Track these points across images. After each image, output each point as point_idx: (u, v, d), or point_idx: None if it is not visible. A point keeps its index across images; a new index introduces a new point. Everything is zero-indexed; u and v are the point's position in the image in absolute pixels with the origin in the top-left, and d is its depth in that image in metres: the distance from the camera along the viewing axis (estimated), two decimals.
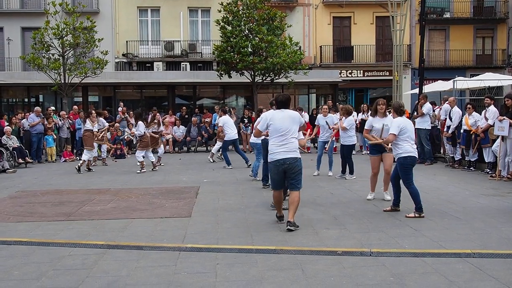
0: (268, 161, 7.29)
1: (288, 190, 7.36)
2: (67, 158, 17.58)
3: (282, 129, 6.95)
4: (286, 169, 6.94)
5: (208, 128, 21.06)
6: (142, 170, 13.74)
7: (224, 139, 14.60)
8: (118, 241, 6.47)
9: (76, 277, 5.17)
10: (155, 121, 14.94)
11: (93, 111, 15.56)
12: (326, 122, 12.62)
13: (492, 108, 12.28)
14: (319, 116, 13.10)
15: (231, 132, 14.39)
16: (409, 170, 7.76)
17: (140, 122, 14.24)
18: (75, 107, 20.30)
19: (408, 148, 7.79)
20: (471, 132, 12.95)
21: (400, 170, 7.83)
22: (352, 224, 7.25)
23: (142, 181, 12.08)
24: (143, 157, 14.00)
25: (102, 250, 6.14)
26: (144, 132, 14.14)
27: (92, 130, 14.75)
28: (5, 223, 7.74)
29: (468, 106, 13.41)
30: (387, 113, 9.31)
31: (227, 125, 14.43)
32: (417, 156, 8.05)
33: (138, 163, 13.92)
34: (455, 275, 5.03)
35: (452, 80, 17.88)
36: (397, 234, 6.64)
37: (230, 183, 11.48)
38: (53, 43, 20.44)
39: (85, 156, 14.25)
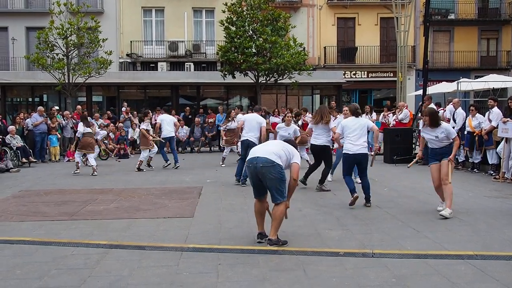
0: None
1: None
2: (70, 157, 17.57)
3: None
4: (259, 173, 6.07)
5: (211, 128, 21.08)
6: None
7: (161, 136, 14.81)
8: (121, 241, 6.48)
9: (78, 276, 5.18)
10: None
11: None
12: (289, 134, 11.47)
13: (495, 110, 12.25)
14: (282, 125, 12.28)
15: (166, 130, 14.63)
16: (345, 164, 8.90)
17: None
18: (79, 107, 20.36)
19: (347, 146, 8.76)
20: (474, 134, 12.92)
21: (342, 163, 9.13)
22: (355, 225, 7.24)
23: (145, 181, 12.10)
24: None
25: (105, 250, 6.15)
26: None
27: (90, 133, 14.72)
28: (8, 222, 7.76)
29: (471, 108, 13.37)
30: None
31: (164, 122, 14.65)
32: (353, 154, 8.71)
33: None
34: (457, 277, 5.02)
35: (456, 81, 17.85)
36: (399, 235, 6.63)
37: (233, 183, 11.48)
38: (57, 43, 20.51)
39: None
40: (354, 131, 8.73)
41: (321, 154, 10.57)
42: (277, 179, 6.00)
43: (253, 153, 6.23)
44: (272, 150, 6.13)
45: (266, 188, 6.18)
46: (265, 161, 6.00)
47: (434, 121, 7.98)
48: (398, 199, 9.25)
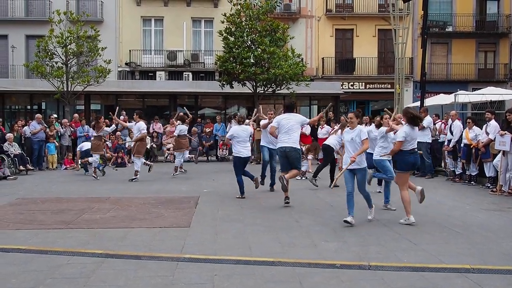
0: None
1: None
2: (68, 166, 17.60)
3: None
4: (288, 155, 9.53)
5: (208, 138, 21.11)
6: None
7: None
8: (117, 250, 6.47)
9: (73, 286, 5.16)
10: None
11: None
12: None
13: (493, 123, 12.28)
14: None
15: None
16: (237, 165, 10.84)
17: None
18: (76, 115, 20.36)
19: (238, 148, 10.84)
20: (471, 146, 12.94)
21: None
22: (351, 237, 7.23)
23: (142, 190, 12.07)
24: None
25: (101, 259, 6.13)
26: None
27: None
28: (4, 230, 7.74)
29: (468, 120, 13.42)
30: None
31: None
32: (243, 157, 10.80)
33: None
34: None
35: (454, 93, 17.93)
36: (396, 248, 6.62)
37: (230, 193, 11.47)
38: (56, 51, 20.55)
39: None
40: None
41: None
42: (296, 158, 9.68)
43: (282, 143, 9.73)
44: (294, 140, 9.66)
45: (291, 164, 9.64)
46: (291, 148, 9.57)
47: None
48: (395, 212, 9.23)
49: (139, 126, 14.17)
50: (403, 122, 8.84)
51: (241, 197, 10.79)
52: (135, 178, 13.83)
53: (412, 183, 8.55)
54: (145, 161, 14.86)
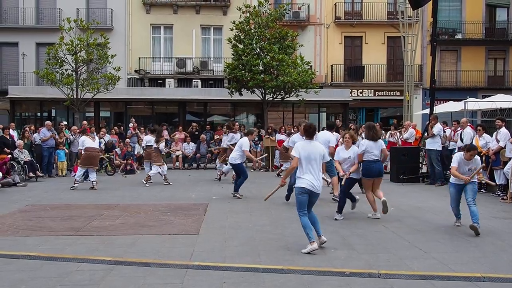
0: None
1: None
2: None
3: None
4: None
5: (217, 144, 21.12)
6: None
7: None
8: (126, 257, 6.47)
9: None
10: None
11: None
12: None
13: (503, 130, 12.21)
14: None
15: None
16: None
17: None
18: (85, 122, 20.45)
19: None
20: (481, 154, 12.86)
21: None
22: (361, 245, 7.20)
23: (151, 197, 12.10)
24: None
25: (110, 266, 6.14)
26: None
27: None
28: (14, 236, 7.78)
29: (479, 128, 13.35)
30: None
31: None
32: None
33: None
34: None
35: (464, 101, 17.83)
36: (406, 256, 6.58)
37: (239, 200, 11.47)
38: (66, 58, 20.69)
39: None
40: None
41: None
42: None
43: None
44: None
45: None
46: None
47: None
48: (405, 219, 9.19)
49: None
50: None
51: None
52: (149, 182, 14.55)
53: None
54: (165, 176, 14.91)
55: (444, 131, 15.48)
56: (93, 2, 30.45)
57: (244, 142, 12.17)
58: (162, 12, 30.73)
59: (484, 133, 13.03)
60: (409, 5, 18.89)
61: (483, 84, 32.47)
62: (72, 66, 20.77)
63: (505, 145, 11.77)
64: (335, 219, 9.05)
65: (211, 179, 16.07)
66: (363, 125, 12.25)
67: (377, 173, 9.26)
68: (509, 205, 11.07)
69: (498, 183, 12.37)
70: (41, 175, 16.16)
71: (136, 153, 19.73)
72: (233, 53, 22.46)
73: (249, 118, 27.00)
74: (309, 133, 7.18)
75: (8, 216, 9.56)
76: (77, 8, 29.22)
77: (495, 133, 12.53)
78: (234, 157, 12.13)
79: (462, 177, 8.12)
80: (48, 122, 18.19)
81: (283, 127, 20.90)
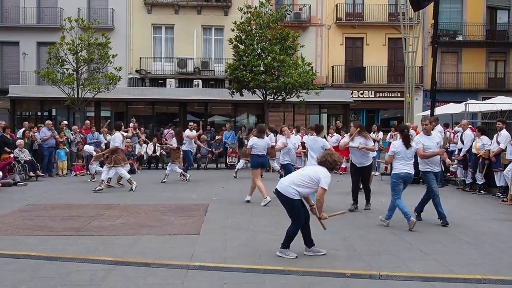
0: None
1: None
2: (77, 172, 17.66)
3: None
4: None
5: (218, 145, 21.14)
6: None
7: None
8: (126, 258, 6.47)
9: None
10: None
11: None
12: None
13: (504, 132, 12.20)
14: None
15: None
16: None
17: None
18: (87, 121, 20.45)
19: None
20: (478, 156, 12.86)
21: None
22: (362, 246, 7.20)
23: (151, 197, 12.09)
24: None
25: (110, 266, 6.14)
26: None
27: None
28: (14, 236, 7.77)
29: (477, 129, 13.37)
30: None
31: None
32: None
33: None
34: None
35: (464, 102, 17.82)
36: (407, 258, 6.58)
37: (240, 201, 11.46)
38: (67, 58, 20.69)
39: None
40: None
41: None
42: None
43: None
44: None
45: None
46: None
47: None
48: (405, 220, 9.16)
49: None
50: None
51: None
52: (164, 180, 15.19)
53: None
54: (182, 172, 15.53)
55: (445, 132, 15.47)
56: (94, 1, 30.50)
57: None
58: (163, 12, 30.76)
59: (483, 135, 13.00)
60: (410, 7, 18.89)
61: (484, 86, 32.48)
62: (73, 66, 20.77)
63: (506, 147, 11.76)
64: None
65: (211, 179, 16.07)
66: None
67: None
68: (509, 207, 11.08)
69: (498, 185, 12.36)
70: (41, 174, 16.16)
71: (136, 153, 19.72)
72: (234, 53, 22.45)
73: (249, 118, 26.98)
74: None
75: (8, 215, 9.56)
76: (78, 8, 29.25)
77: (495, 135, 12.52)
78: (282, 157, 12.22)
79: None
80: (48, 122, 18.18)
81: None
